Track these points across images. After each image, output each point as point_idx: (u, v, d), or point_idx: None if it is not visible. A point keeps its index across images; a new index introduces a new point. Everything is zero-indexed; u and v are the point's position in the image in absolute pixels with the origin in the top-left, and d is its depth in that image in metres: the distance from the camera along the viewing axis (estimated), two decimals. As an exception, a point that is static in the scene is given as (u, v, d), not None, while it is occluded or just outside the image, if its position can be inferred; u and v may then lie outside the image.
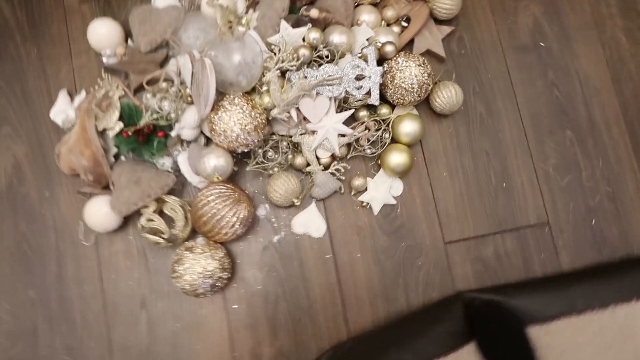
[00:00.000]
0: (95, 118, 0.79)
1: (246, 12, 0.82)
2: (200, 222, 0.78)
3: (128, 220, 0.83)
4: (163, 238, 0.78)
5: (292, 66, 0.77)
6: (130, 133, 0.77)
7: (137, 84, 0.79)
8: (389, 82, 0.82)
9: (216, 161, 0.78)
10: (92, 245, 0.83)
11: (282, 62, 0.77)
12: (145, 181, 0.79)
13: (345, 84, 0.79)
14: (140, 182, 0.79)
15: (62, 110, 0.84)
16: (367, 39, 0.85)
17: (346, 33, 0.82)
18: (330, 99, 0.80)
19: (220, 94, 0.78)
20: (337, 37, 0.82)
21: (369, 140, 0.83)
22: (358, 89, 0.80)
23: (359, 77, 0.80)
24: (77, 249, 0.83)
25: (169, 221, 0.81)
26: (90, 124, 0.79)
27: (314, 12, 0.80)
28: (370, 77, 0.80)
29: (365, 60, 0.80)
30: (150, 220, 0.78)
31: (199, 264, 0.76)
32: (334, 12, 0.83)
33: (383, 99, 0.84)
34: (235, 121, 0.75)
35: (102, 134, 0.80)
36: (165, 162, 0.82)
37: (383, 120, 0.84)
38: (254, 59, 0.76)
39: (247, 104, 0.76)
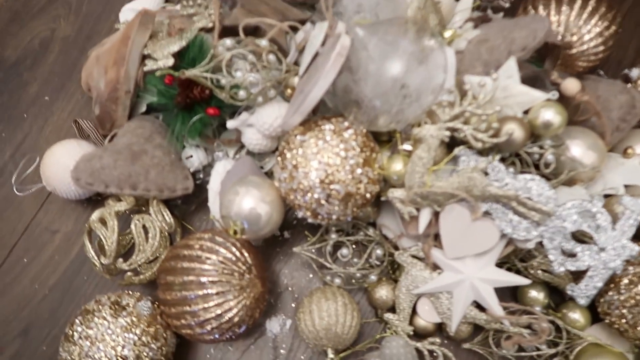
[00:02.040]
0: (149, 36, 0.49)
1: (461, 26, 0.47)
2: (166, 278, 0.42)
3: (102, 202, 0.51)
4: (100, 261, 0.44)
5: (477, 139, 0.39)
6: (174, 80, 0.45)
7: (236, 23, 0.47)
8: (623, 285, 0.40)
9: (256, 205, 0.42)
10: (27, 195, 0.51)
11: (466, 121, 0.39)
12: (146, 164, 0.46)
13: (549, 230, 0.39)
14: (140, 160, 0.46)
15: (134, 7, 0.55)
16: (624, 185, 0.45)
17: (599, 152, 0.43)
18: (502, 236, 0.41)
19: (339, 115, 0.43)
20: (578, 148, 0.43)
21: (519, 350, 0.42)
22: (567, 255, 0.40)
23: (582, 237, 0.40)
24: (11, 190, 0.52)
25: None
26: (138, 40, 0.48)
27: (573, 85, 0.41)
28: (602, 250, 0.39)
29: (614, 219, 0.39)
30: (103, 222, 0.44)
31: (108, 345, 0.40)
32: (603, 108, 0.44)
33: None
34: (322, 163, 0.39)
35: (145, 59, 0.49)
36: (192, 157, 0.48)
37: (569, 337, 0.42)
38: (422, 88, 0.39)
39: (362, 151, 0.40)
